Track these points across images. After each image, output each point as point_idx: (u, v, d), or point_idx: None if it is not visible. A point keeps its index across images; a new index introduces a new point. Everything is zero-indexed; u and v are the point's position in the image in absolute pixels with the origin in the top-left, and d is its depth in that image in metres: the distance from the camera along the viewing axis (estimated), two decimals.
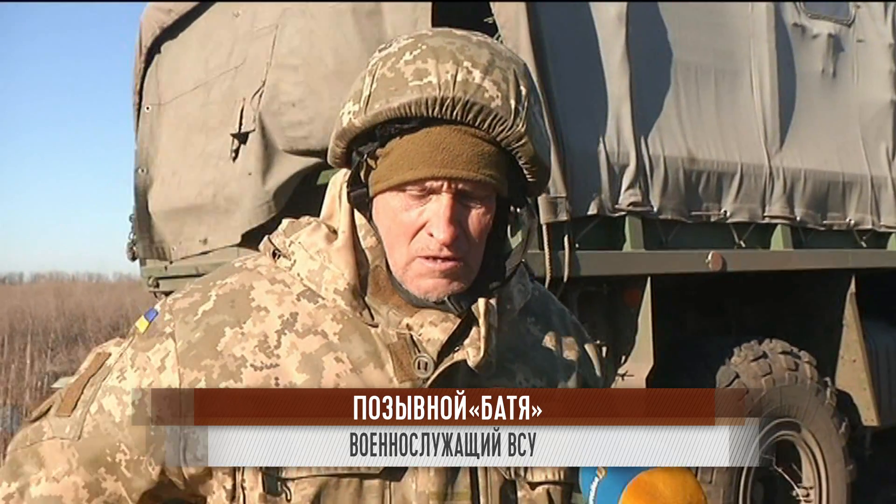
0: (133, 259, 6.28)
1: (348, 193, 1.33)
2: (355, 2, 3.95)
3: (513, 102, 1.24)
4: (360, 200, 1.33)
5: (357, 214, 1.37)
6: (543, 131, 1.32)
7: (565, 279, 3.85)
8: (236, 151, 4.72)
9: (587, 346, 1.55)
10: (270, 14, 4.58)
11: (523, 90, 1.26)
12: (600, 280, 4.21)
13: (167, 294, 4.82)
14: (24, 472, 1.33)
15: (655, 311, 4.21)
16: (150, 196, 5.77)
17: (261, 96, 4.39)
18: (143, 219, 5.91)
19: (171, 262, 5.72)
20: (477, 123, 1.22)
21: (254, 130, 4.44)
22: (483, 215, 1.28)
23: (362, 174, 1.31)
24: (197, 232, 5.20)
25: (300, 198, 4.35)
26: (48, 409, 1.37)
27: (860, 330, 5.21)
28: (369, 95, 1.24)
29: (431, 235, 1.25)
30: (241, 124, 4.57)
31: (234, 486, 1.28)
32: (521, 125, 1.24)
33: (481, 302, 1.30)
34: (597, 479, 1.19)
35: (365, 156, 1.27)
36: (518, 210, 1.37)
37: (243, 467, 1.26)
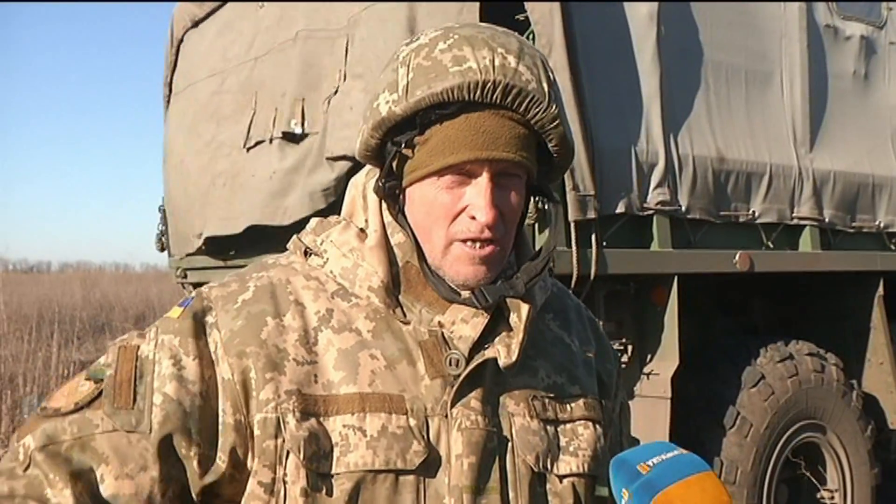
0: (161, 250, 6.33)
1: (382, 185, 1.34)
2: (397, 1, 3.96)
3: (545, 86, 1.28)
4: (391, 192, 1.35)
5: (385, 212, 1.39)
6: (566, 116, 1.35)
7: (592, 277, 3.85)
8: (270, 141, 4.72)
9: (602, 342, 1.57)
10: (329, 16, 4.57)
11: (551, 75, 1.31)
12: (627, 278, 4.22)
13: (194, 285, 4.84)
14: (79, 468, 1.24)
15: (682, 311, 4.21)
16: (171, 186, 5.82)
17: (330, 102, 4.38)
18: (167, 210, 5.97)
19: (170, 255, 5.79)
20: (514, 106, 1.26)
21: (318, 133, 4.44)
22: (517, 197, 1.32)
23: (394, 165, 1.33)
24: (192, 226, 5.22)
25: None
26: (90, 402, 1.28)
27: (888, 333, 5.19)
28: (407, 84, 1.27)
29: (473, 218, 1.28)
30: (303, 125, 4.55)
31: (273, 479, 1.28)
32: (554, 107, 1.29)
33: (524, 307, 1.33)
34: (623, 501, 1.21)
35: (403, 144, 1.29)
36: (543, 201, 1.41)
37: (286, 461, 1.27)
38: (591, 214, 3.80)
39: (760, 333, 5.21)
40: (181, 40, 5.96)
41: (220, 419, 1.29)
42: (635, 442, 1.55)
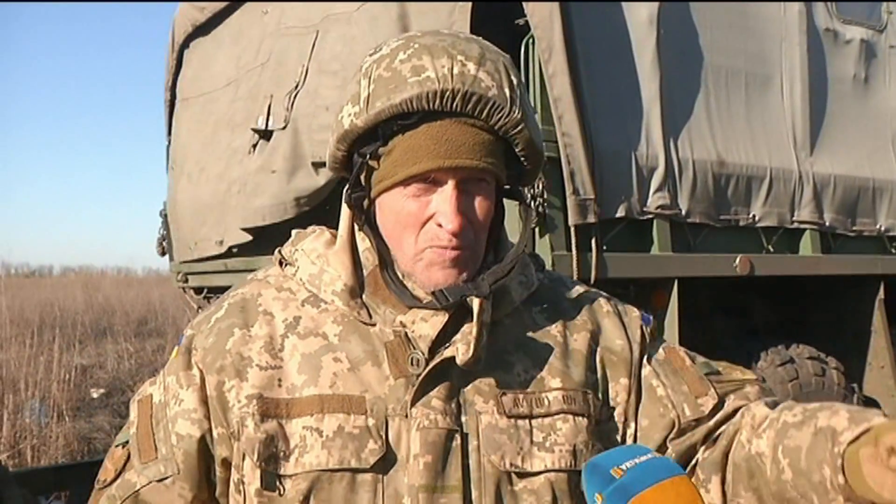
0: (162, 254, 6.34)
1: (349, 196, 1.37)
2: (389, 2, 3.97)
3: (507, 91, 1.29)
4: (359, 203, 1.37)
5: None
6: (535, 119, 1.37)
7: (592, 281, 3.84)
8: (254, 146, 4.75)
9: (608, 320, 1.52)
10: (304, 14, 4.59)
11: (514, 79, 1.32)
12: (627, 282, 4.21)
13: (195, 289, 4.85)
14: None
15: (682, 314, 4.20)
16: (178, 192, 5.82)
17: (294, 96, 4.41)
18: (170, 215, 5.96)
19: (190, 261, 5.77)
20: (476, 113, 1.28)
21: (283, 128, 4.46)
22: (485, 203, 1.33)
23: (363, 177, 1.36)
24: (214, 232, 5.23)
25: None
26: (124, 465, 1.40)
27: (888, 336, 5.18)
28: (368, 96, 1.29)
29: (440, 226, 1.29)
30: (268, 121, 4.59)
31: (240, 478, 1.34)
32: (517, 112, 1.30)
33: (475, 301, 1.32)
34: None
35: (367, 156, 1.32)
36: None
37: (243, 462, 1.32)
38: (591, 218, 3.79)
39: (761, 337, 5.20)
40: (183, 44, 5.97)
41: (213, 433, 1.37)
42: (710, 369, 1.52)
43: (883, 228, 5.29)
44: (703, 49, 4.50)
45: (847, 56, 5.22)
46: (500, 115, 1.28)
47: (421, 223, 1.31)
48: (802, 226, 4.83)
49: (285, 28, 4.72)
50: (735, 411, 1.43)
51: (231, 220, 5.03)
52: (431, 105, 1.26)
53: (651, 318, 1.59)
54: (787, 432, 1.30)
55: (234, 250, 5.15)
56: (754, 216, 4.61)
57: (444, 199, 1.29)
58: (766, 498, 1.31)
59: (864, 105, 5.31)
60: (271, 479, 1.30)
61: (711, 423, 1.42)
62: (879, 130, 5.41)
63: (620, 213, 3.99)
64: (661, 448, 1.41)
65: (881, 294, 5.19)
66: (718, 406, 1.44)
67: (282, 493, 1.29)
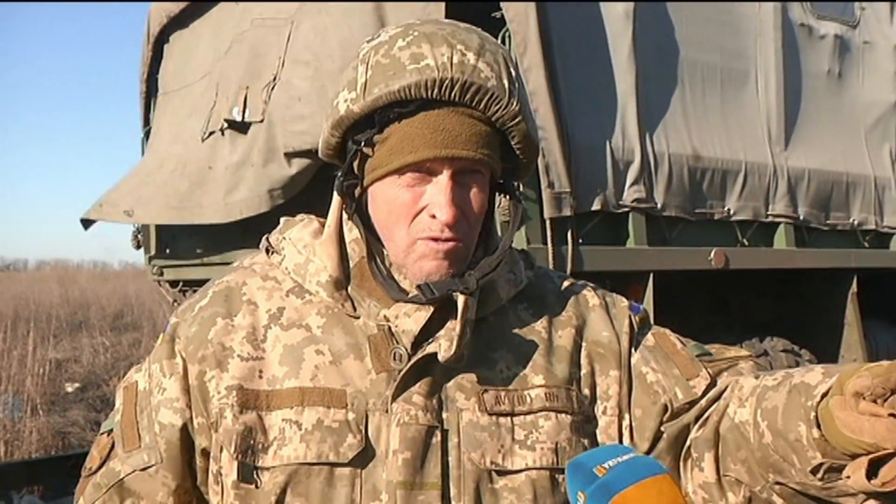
0: (138, 248, 6.29)
1: (340, 184, 1.35)
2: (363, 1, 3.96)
3: (506, 82, 1.28)
4: (350, 192, 1.35)
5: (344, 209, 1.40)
6: (532, 112, 1.35)
7: (568, 274, 3.84)
8: (222, 132, 4.71)
9: (595, 313, 1.49)
10: (279, 5, 4.58)
11: (513, 72, 1.31)
12: (603, 276, 4.21)
13: (171, 283, 4.80)
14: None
15: (658, 308, 4.21)
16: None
17: (272, 89, 4.39)
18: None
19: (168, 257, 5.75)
20: (474, 103, 1.26)
21: (261, 121, 4.44)
22: (480, 195, 1.32)
23: (356, 165, 1.34)
24: (125, 201, 5.19)
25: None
26: (108, 453, 1.39)
27: (861, 329, 5.23)
28: (366, 82, 1.27)
29: (433, 217, 1.27)
30: (244, 113, 4.57)
31: (218, 469, 1.33)
32: (515, 104, 1.28)
33: (461, 298, 1.30)
34: None
35: (362, 143, 1.30)
36: (507, 196, 1.41)
37: (220, 454, 1.31)
38: (567, 211, 3.80)
39: (736, 330, 5.23)
40: (159, 37, 5.93)
41: (194, 423, 1.35)
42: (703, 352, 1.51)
43: (856, 222, 5.34)
44: (679, 44, 4.52)
45: (821, 51, 5.27)
46: (498, 106, 1.27)
47: (413, 214, 1.29)
48: (777, 219, 4.87)
49: (261, 19, 4.70)
50: (727, 388, 1.41)
51: (151, 196, 4.97)
52: (430, 94, 1.24)
53: (641, 307, 1.56)
54: (766, 395, 1.28)
55: (200, 250, 5.13)
56: (729, 210, 4.64)
57: (438, 189, 1.27)
58: (754, 467, 1.29)
59: (838, 100, 5.36)
60: (248, 472, 1.28)
61: (703, 401, 1.40)
62: (853, 125, 5.46)
63: (596, 206, 4.00)
64: (657, 436, 1.40)
65: (854, 287, 5.24)
66: (711, 386, 1.42)
67: (259, 485, 1.28)
